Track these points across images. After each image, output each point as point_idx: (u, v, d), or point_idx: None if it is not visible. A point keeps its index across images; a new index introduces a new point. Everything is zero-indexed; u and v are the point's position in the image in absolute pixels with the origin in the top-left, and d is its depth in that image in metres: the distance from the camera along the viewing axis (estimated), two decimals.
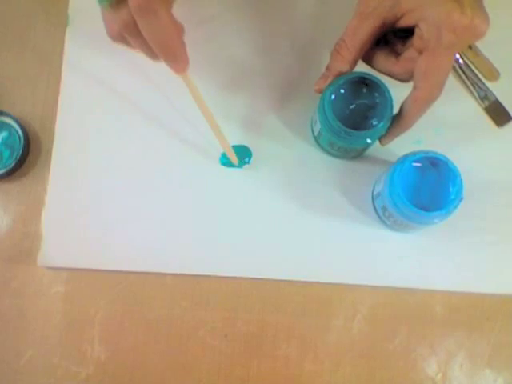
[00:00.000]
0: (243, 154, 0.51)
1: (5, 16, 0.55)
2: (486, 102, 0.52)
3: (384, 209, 0.47)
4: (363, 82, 0.45)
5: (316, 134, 0.50)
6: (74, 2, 0.55)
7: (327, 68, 0.44)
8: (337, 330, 0.49)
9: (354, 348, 0.49)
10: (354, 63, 0.43)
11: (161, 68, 0.53)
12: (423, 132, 0.50)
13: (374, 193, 0.49)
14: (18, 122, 0.52)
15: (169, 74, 0.53)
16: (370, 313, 0.49)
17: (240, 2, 0.55)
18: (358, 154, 0.50)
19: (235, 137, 0.52)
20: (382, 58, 0.43)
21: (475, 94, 0.52)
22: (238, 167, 0.51)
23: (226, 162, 0.51)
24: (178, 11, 0.41)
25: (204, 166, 0.51)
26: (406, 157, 0.44)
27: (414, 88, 0.41)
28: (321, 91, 0.45)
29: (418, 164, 0.44)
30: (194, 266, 0.50)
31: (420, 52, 0.40)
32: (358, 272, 0.49)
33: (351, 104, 0.46)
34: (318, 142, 0.51)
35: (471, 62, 0.53)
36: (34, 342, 0.49)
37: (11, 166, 0.51)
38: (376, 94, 0.45)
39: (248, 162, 0.51)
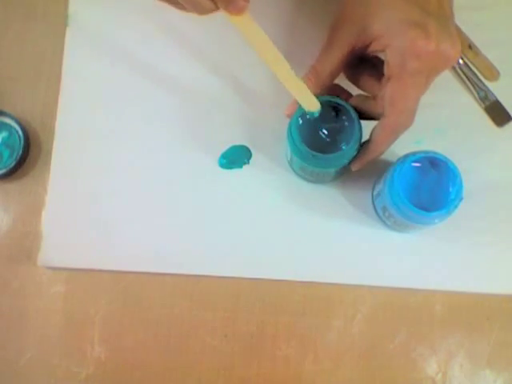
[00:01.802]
0: (243, 154, 0.51)
1: (5, 16, 0.55)
2: (486, 102, 0.52)
3: (384, 209, 0.47)
4: (331, 105, 0.44)
5: (289, 159, 0.49)
6: (73, 1, 0.55)
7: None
8: (337, 329, 0.49)
9: (354, 348, 0.49)
10: (324, 90, 0.43)
11: (161, 68, 0.54)
12: (423, 132, 0.50)
13: (374, 193, 0.49)
14: (18, 121, 0.52)
15: (169, 74, 0.53)
16: (369, 313, 0.49)
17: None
18: (331, 179, 0.50)
19: (235, 137, 0.52)
20: (367, 80, 0.42)
21: (475, 94, 0.52)
22: (237, 167, 0.51)
23: (224, 164, 0.51)
24: None
25: (204, 165, 0.51)
26: (406, 157, 0.44)
27: (383, 115, 0.41)
28: (291, 116, 0.45)
29: (418, 164, 0.44)
30: (194, 266, 0.50)
31: (388, 79, 0.39)
32: (358, 272, 0.49)
33: (321, 128, 0.45)
34: (292, 168, 0.50)
35: (471, 62, 0.53)
36: (34, 342, 0.49)
37: (11, 166, 0.51)
38: (344, 118, 0.45)
39: (248, 162, 0.51)
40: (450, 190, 0.43)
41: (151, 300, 0.50)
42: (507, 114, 0.52)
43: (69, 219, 0.51)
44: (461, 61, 0.52)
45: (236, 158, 0.51)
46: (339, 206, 0.50)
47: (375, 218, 0.50)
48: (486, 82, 0.52)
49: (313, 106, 0.42)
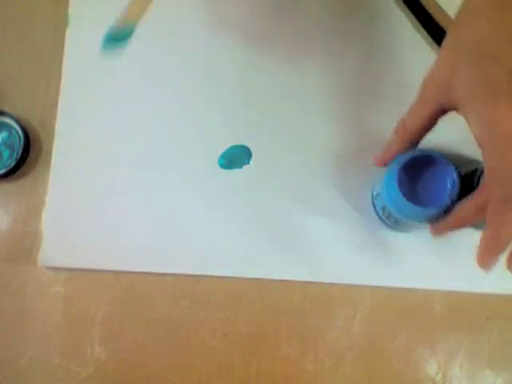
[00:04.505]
0: (243, 154, 0.51)
1: (5, 16, 0.55)
2: None
3: (384, 209, 0.47)
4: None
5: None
6: (74, 1, 0.55)
7: (388, 145, 0.43)
8: (337, 329, 0.49)
9: (354, 348, 0.49)
10: (411, 144, 0.42)
11: (161, 68, 0.54)
12: None
13: (374, 193, 0.49)
14: (18, 121, 0.52)
15: (169, 74, 0.53)
16: (370, 313, 0.49)
17: None
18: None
19: (235, 137, 0.52)
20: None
21: None
22: (237, 167, 0.51)
23: (224, 164, 0.51)
24: None
25: (204, 165, 0.51)
26: (403, 156, 0.44)
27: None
28: (380, 165, 0.44)
29: (415, 163, 0.44)
30: (194, 266, 0.50)
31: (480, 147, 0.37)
32: (358, 272, 0.49)
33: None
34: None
35: None
36: (34, 341, 0.49)
37: (11, 166, 0.51)
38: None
39: (248, 162, 0.51)
40: (448, 186, 0.43)
41: (151, 300, 0.50)
42: None
43: (69, 219, 0.51)
44: None
45: (236, 158, 0.51)
46: (339, 206, 0.50)
47: (375, 218, 0.50)
48: None
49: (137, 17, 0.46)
